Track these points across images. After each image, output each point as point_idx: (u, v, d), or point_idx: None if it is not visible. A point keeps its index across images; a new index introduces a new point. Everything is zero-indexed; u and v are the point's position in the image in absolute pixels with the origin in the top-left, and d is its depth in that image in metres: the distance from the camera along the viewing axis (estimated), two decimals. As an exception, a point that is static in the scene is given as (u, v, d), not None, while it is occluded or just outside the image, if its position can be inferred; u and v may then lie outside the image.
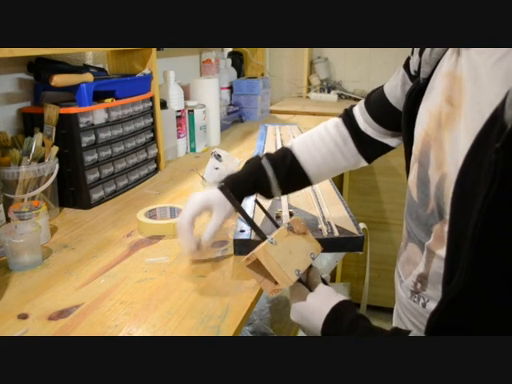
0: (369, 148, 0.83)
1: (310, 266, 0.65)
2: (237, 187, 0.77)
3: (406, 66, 0.73)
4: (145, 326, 0.62)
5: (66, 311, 0.65)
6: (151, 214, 0.95)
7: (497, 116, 0.48)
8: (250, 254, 0.60)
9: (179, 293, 0.70)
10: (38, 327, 0.62)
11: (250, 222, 0.67)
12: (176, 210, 0.97)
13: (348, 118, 0.84)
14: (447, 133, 0.57)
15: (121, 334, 0.60)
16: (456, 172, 0.53)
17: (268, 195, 0.81)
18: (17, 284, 0.73)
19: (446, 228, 0.55)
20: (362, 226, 0.89)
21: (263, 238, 0.62)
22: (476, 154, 0.50)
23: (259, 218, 0.87)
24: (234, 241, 0.81)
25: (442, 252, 0.57)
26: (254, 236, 0.80)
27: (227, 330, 0.61)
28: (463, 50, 0.56)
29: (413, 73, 0.70)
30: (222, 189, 0.74)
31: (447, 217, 0.55)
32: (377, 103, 0.81)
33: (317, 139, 0.83)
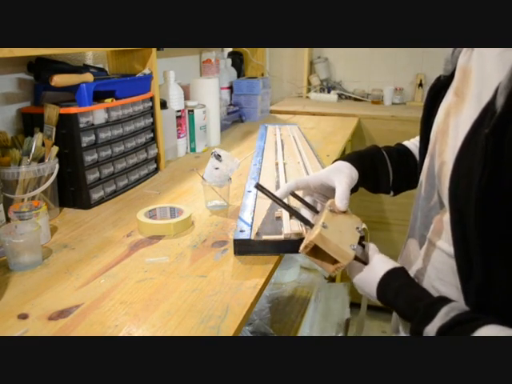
0: None
1: (362, 241, 0.68)
2: (359, 160, 0.77)
3: None
4: (145, 326, 0.62)
5: (66, 311, 0.65)
6: (151, 214, 0.95)
7: (490, 104, 0.48)
8: (308, 241, 0.63)
9: (179, 293, 0.70)
10: (38, 327, 0.62)
11: (292, 211, 0.69)
12: (176, 210, 0.97)
13: None
14: (451, 123, 0.58)
15: (121, 334, 0.60)
16: (453, 159, 0.53)
17: (378, 182, 0.80)
18: (17, 284, 0.73)
19: (445, 217, 0.56)
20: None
21: (308, 224, 0.67)
22: (471, 142, 0.51)
23: (262, 215, 0.87)
24: (234, 241, 0.81)
25: (441, 243, 0.58)
26: (253, 236, 0.80)
27: (227, 330, 0.61)
28: None
29: None
30: (257, 186, 0.71)
31: (446, 206, 0.55)
32: None
33: None
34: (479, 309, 0.53)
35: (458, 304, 0.54)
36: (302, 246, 0.65)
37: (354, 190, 0.77)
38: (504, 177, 0.46)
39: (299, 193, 0.76)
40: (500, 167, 0.46)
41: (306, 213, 0.72)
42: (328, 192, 0.74)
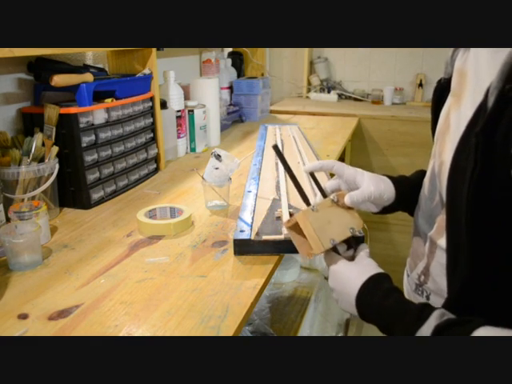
0: None
1: (357, 241, 0.67)
2: (402, 185, 0.74)
3: None
4: (145, 326, 0.62)
5: (66, 311, 0.65)
6: (151, 214, 0.95)
7: (483, 105, 0.49)
8: (292, 217, 0.64)
9: (179, 293, 0.70)
10: (38, 327, 0.62)
11: (297, 185, 0.66)
12: (176, 210, 0.97)
13: None
14: (449, 124, 0.59)
15: (121, 334, 0.60)
16: (450, 159, 0.54)
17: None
18: (17, 284, 0.73)
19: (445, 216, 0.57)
20: (362, 226, 0.89)
21: (306, 201, 0.66)
22: (465, 142, 0.52)
23: (262, 215, 0.87)
24: (234, 241, 0.81)
25: (442, 242, 0.58)
26: (253, 236, 0.80)
27: (227, 329, 0.61)
28: None
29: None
30: (275, 147, 0.67)
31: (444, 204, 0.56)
32: None
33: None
34: (461, 303, 0.54)
35: (444, 311, 0.54)
36: (286, 219, 0.65)
37: (387, 211, 0.75)
38: (494, 174, 0.47)
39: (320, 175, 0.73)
40: (490, 165, 0.47)
41: (319, 197, 0.71)
42: (352, 188, 0.73)
